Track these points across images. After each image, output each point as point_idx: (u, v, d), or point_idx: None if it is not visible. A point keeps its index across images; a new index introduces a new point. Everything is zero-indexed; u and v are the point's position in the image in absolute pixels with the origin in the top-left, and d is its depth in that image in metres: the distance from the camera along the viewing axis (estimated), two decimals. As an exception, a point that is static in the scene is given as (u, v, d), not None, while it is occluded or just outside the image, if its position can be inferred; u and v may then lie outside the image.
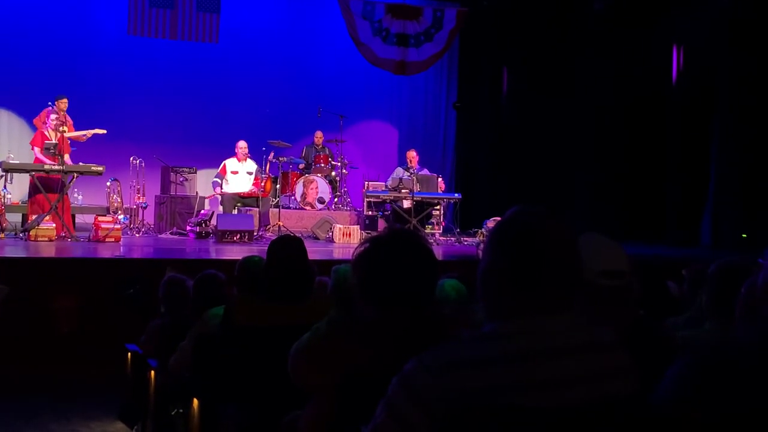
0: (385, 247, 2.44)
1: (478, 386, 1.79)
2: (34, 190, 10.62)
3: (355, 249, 2.52)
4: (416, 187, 12.39)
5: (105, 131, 11.20)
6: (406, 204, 12.42)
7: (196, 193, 12.62)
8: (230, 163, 12.23)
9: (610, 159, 14.00)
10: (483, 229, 12.32)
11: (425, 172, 13.02)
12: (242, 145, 12.25)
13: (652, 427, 1.90)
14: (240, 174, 12.21)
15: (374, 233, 2.80)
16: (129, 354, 5.95)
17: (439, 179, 12.94)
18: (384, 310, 2.37)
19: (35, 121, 11.13)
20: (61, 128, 10.64)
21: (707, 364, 1.95)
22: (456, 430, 1.79)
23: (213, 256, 9.76)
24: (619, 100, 13.97)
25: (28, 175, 10.75)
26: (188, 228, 11.76)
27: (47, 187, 10.56)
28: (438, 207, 12.81)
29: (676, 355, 2.34)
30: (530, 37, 14.40)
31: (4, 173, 10.77)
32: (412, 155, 13.00)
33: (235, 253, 9.29)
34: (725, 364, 1.94)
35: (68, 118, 10.85)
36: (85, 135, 11.10)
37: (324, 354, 2.43)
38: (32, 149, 10.89)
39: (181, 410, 4.38)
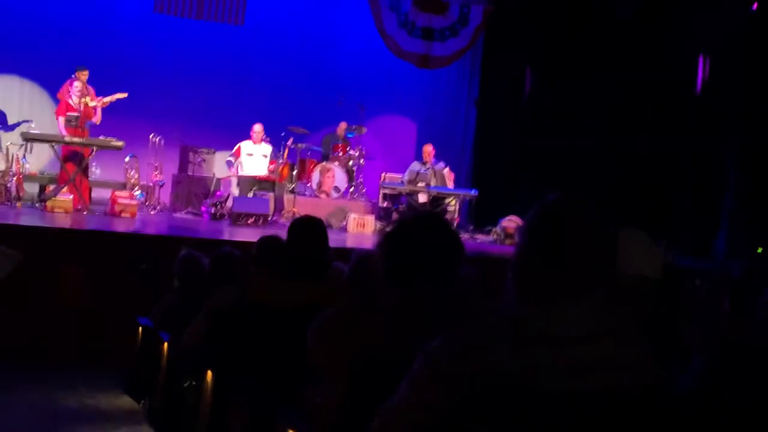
0: (411, 229, 2.45)
1: (501, 369, 1.80)
2: (61, 163, 10.69)
3: (381, 231, 2.53)
4: (433, 182, 12.39)
5: (126, 94, 11.19)
6: (422, 198, 12.41)
7: (213, 174, 12.63)
8: (245, 145, 12.22)
9: (628, 163, 13.93)
10: (498, 228, 12.31)
11: (441, 165, 12.98)
12: (257, 128, 12.24)
13: (673, 417, 1.89)
14: (255, 156, 12.20)
15: (391, 222, 2.80)
16: (140, 328, 5.98)
17: (446, 170, 12.90)
18: (407, 291, 2.38)
19: (59, 93, 11.17)
20: (83, 99, 10.68)
21: (730, 360, 1.95)
22: (477, 411, 1.79)
23: (227, 237, 9.78)
24: (640, 105, 13.89)
25: (47, 146, 10.80)
26: (203, 208, 11.77)
27: (67, 158, 10.62)
28: (453, 202, 12.77)
29: (692, 353, 2.34)
30: (554, 37, 14.33)
31: (24, 143, 10.83)
32: (429, 150, 12.96)
33: (249, 235, 9.29)
34: (747, 360, 1.94)
35: (90, 89, 10.89)
36: (108, 100, 11.09)
37: (343, 334, 2.44)
38: (57, 119, 10.95)
39: (193, 382, 4.39)
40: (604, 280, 1.91)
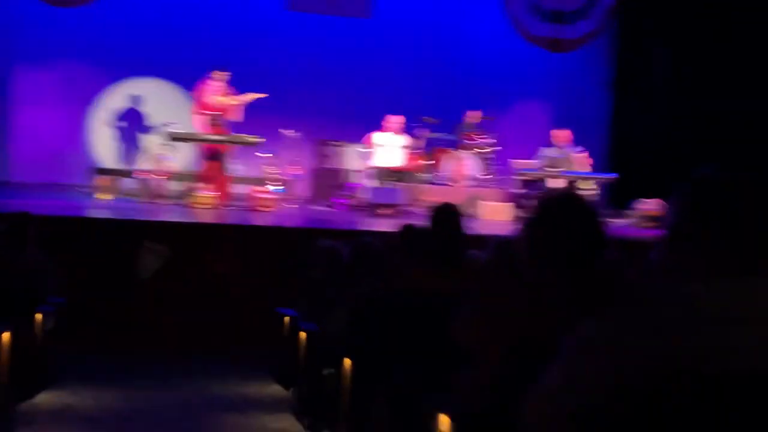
0: (554, 209, 2.44)
1: (657, 349, 1.74)
2: (204, 160, 11.07)
3: (521, 216, 2.53)
4: (567, 166, 12.19)
5: (266, 95, 11.44)
6: (559, 183, 12.23)
7: (346, 166, 12.81)
8: (377, 137, 12.29)
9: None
10: (636, 211, 12.03)
11: (579, 149, 12.72)
12: (394, 119, 12.30)
13: None
14: (388, 147, 12.25)
15: (530, 208, 2.78)
16: (285, 318, 6.14)
17: (585, 154, 12.63)
18: (552, 273, 2.36)
19: (196, 93, 11.55)
20: (222, 98, 11.00)
21: None
22: (633, 395, 1.75)
23: (363, 227, 9.89)
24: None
25: (189, 144, 11.19)
26: (339, 200, 11.96)
27: (208, 156, 10.98)
28: (593, 187, 12.50)
29: None
30: (692, 15, 13.85)
31: (168, 142, 11.25)
32: (564, 134, 12.70)
33: (384, 225, 9.39)
34: None
35: (230, 89, 11.20)
36: (247, 99, 11.36)
37: (493, 315, 2.44)
38: (194, 119, 11.33)
39: (332, 370, 4.48)
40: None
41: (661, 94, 14.53)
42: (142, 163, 12.22)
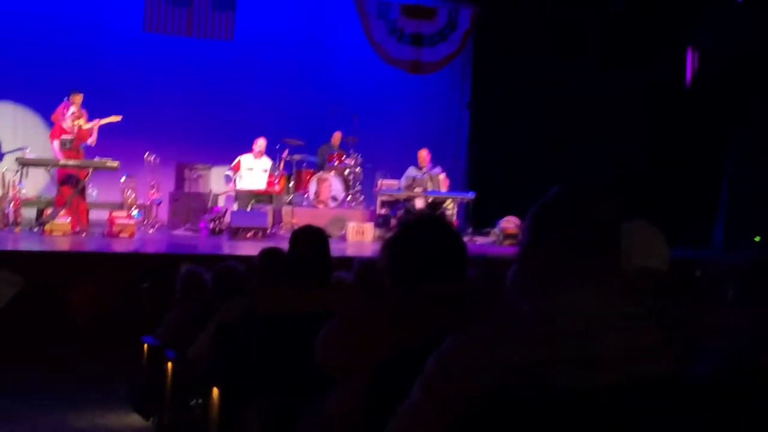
0: (415, 232, 2.46)
1: (514, 365, 1.78)
2: (59, 184, 10.71)
3: (383, 236, 2.55)
4: (429, 186, 12.41)
5: (120, 117, 11.21)
6: (419, 203, 12.43)
7: (210, 190, 12.65)
8: (245, 160, 12.25)
9: (623, 158, 14.00)
10: (496, 229, 12.34)
11: (437, 170, 13.00)
12: (260, 142, 12.28)
13: (690, 406, 1.89)
14: (255, 171, 12.23)
15: (391, 228, 2.80)
16: (145, 346, 5.97)
17: (441, 176, 12.91)
18: (414, 293, 2.39)
19: (53, 116, 11.19)
20: (77, 122, 10.69)
21: (745, 348, 1.95)
22: (492, 410, 1.78)
23: (227, 251, 9.79)
24: (632, 100, 13.96)
25: (43, 170, 10.81)
26: (202, 224, 11.79)
27: (63, 181, 10.63)
28: (451, 206, 12.80)
29: (703, 343, 2.34)
30: (545, 37, 14.38)
31: (20, 168, 10.83)
32: (424, 154, 12.98)
33: (249, 249, 9.30)
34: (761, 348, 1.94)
35: (84, 112, 10.90)
36: (101, 123, 11.09)
37: (354, 337, 2.44)
38: (51, 143, 10.97)
39: (200, 400, 4.38)
40: (615, 270, 1.89)
41: (514, 115, 14.98)
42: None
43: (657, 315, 2.42)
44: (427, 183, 12.47)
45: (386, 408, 2.04)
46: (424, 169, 12.79)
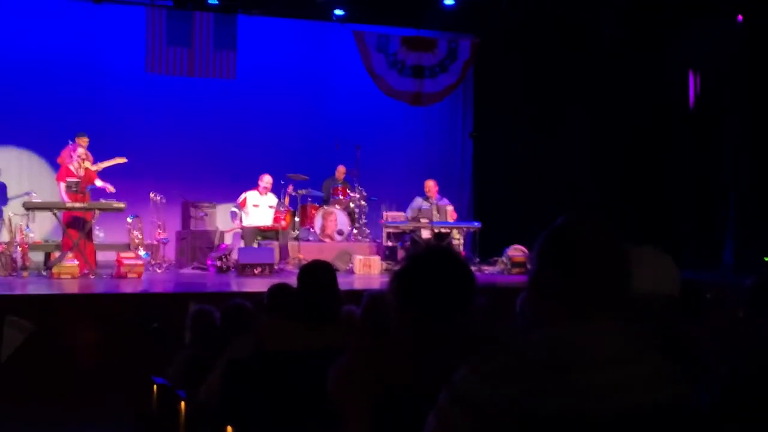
0: (422, 263, 2.46)
1: (527, 394, 1.79)
2: (64, 229, 10.73)
3: (390, 269, 2.55)
4: (436, 217, 12.41)
5: (125, 159, 11.29)
6: (426, 234, 12.43)
7: (216, 227, 12.68)
8: (251, 196, 12.29)
9: (627, 183, 14.02)
10: (503, 257, 12.32)
11: (445, 201, 13.02)
12: (266, 179, 12.33)
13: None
14: (261, 207, 12.27)
15: (398, 260, 2.81)
16: (155, 386, 5.95)
17: (450, 208, 12.93)
18: (423, 326, 2.38)
19: (58, 159, 11.24)
20: (83, 164, 10.74)
21: (750, 370, 1.94)
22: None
23: (235, 288, 9.79)
24: (634, 125, 14.00)
25: (50, 213, 10.85)
26: (209, 262, 11.80)
27: (71, 224, 10.66)
28: (457, 236, 12.80)
29: (711, 367, 2.33)
30: (543, 65, 14.46)
31: (26, 212, 10.87)
32: (431, 185, 12.99)
33: (256, 285, 9.31)
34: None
35: (89, 154, 10.95)
36: (107, 164, 11.16)
37: (363, 373, 2.43)
38: (58, 185, 11.02)
39: (213, 438, 4.36)
40: (622, 300, 1.91)
41: (517, 144, 15.02)
42: (0, 235, 11.75)
43: (667, 340, 2.42)
44: (432, 214, 12.47)
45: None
46: (432, 200, 12.80)
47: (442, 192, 13.36)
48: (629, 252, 1.93)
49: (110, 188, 11.14)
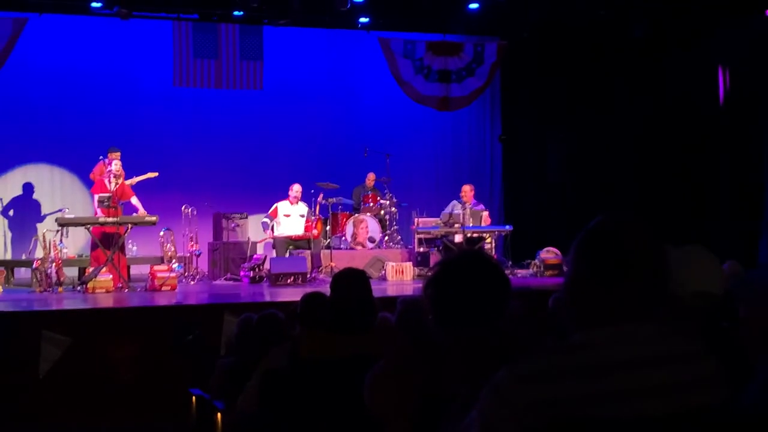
0: (457, 268, 2.43)
1: (567, 396, 1.77)
2: (94, 244, 10.81)
3: (424, 275, 2.53)
4: (469, 222, 12.36)
5: (157, 174, 11.37)
6: (458, 238, 12.38)
7: (248, 238, 12.72)
8: (282, 206, 12.32)
9: (658, 182, 13.89)
10: (536, 260, 12.26)
11: (480, 207, 12.95)
12: (296, 188, 12.35)
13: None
14: (292, 217, 12.29)
15: (431, 266, 2.80)
16: (193, 398, 5.98)
17: (485, 213, 12.88)
18: (458, 331, 2.36)
19: (91, 175, 11.33)
20: (116, 180, 10.82)
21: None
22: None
23: (268, 299, 9.80)
24: (664, 125, 13.88)
25: (83, 228, 10.93)
26: (242, 273, 11.84)
27: (103, 239, 10.74)
28: (489, 240, 12.73)
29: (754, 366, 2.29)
30: (571, 67, 14.39)
31: (60, 228, 10.96)
32: (467, 189, 12.90)
33: (289, 295, 9.32)
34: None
35: (121, 169, 11.02)
36: (139, 179, 11.24)
37: (400, 380, 2.42)
38: (93, 200, 11.12)
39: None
40: (663, 300, 1.88)
41: (547, 146, 14.95)
42: (35, 252, 11.86)
43: (711, 340, 2.38)
44: (465, 218, 12.40)
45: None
46: (467, 205, 12.74)
47: (475, 196, 13.29)
48: (670, 251, 1.90)
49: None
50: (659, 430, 1.80)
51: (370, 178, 13.70)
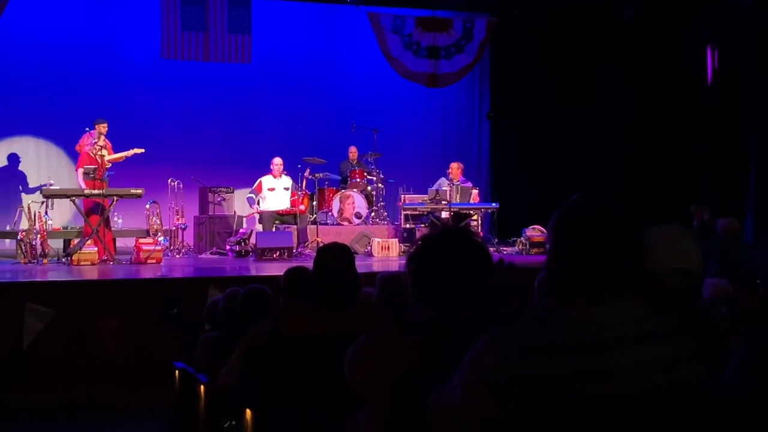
0: (439, 244, 2.43)
1: (544, 373, 1.78)
2: (84, 214, 10.76)
3: (407, 251, 2.52)
4: (456, 199, 12.36)
5: (143, 150, 11.29)
6: (444, 215, 12.39)
7: (234, 212, 12.69)
8: (266, 180, 12.29)
9: (644, 161, 13.93)
10: (522, 238, 12.29)
11: (468, 184, 12.97)
12: (277, 161, 12.31)
13: (718, 414, 1.86)
14: (277, 191, 12.26)
15: (415, 242, 2.79)
16: (176, 371, 5.97)
17: (474, 191, 12.89)
18: (440, 307, 2.36)
19: (77, 147, 11.25)
20: (100, 152, 10.75)
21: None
22: (520, 415, 1.77)
23: (254, 273, 9.78)
24: (651, 105, 13.90)
25: (68, 201, 10.88)
26: (228, 247, 11.82)
27: (88, 211, 10.70)
28: (475, 217, 12.75)
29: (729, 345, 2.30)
30: (561, 45, 14.36)
31: (45, 200, 10.91)
32: (455, 167, 12.92)
33: (275, 269, 9.30)
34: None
35: (108, 142, 10.96)
36: (124, 155, 11.17)
37: (380, 356, 2.41)
38: (76, 172, 11.05)
39: (233, 422, 4.37)
40: (639, 278, 1.88)
41: (534, 124, 14.94)
42: (20, 224, 11.80)
43: (687, 318, 2.39)
44: (452, 195, 12.41)
45: (413, 426, 2.02)
46: (455, 182, 12.74)
47: (464, 173, 13.29)
48: (647, 229, 1.91)
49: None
50: (634, 407, 1.81)
51: (353, 152, 13.68)
